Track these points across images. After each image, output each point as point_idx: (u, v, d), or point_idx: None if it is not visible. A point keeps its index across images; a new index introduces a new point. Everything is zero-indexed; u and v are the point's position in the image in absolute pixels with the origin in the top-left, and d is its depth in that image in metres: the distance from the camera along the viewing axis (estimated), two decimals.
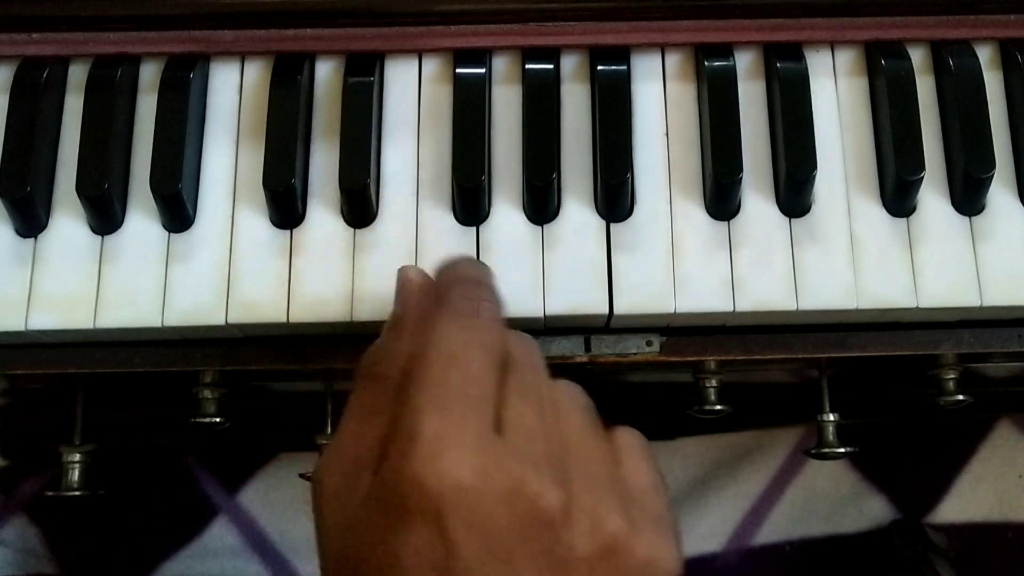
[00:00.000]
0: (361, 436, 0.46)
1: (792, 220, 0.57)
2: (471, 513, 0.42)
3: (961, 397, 0.62)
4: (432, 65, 0.60)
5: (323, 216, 0.57)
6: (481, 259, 0.56)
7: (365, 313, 0.56)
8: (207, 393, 0.61)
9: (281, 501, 0.84)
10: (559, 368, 0.58)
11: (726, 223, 0.57)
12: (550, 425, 0.46)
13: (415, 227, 0.57)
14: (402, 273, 0.51)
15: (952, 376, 0.61)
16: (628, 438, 0.50)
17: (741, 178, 0.56)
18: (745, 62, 0.59)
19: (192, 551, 0.83)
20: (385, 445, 0.45)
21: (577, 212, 0.57)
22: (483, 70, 0.58)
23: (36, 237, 0.57)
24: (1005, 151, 0.58)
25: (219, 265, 0.57)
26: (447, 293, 0.48)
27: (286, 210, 0.57)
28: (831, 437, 0.64)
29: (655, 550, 0.45)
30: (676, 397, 0.66)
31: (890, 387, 0.74)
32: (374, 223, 0.57)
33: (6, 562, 0.82)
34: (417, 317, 0.49)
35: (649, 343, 0.58)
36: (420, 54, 0.60)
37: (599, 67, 0.58)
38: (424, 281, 0.51)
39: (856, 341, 0.58)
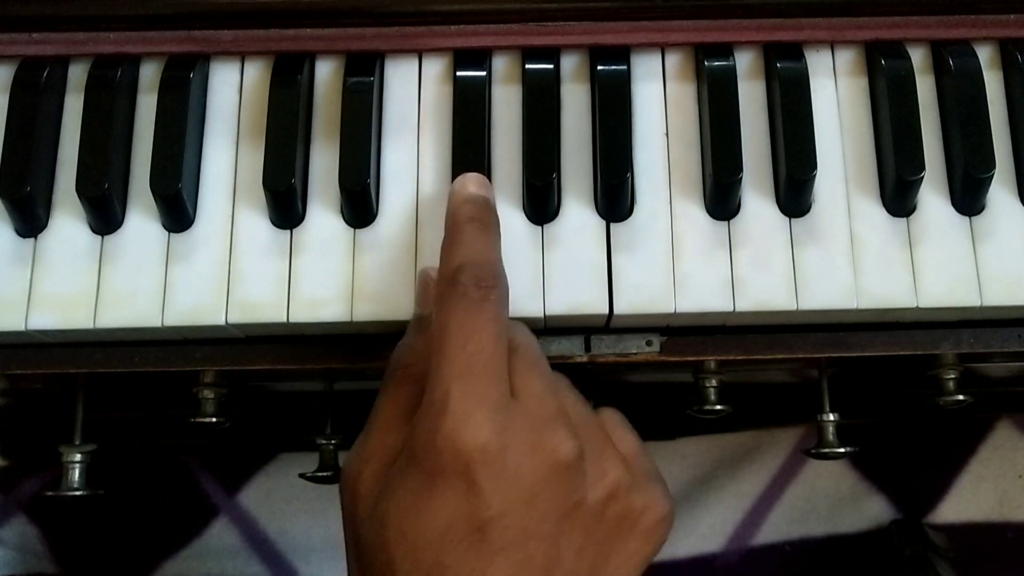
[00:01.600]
0: (394, 432, 0.52)
1: (792, 220, 0.57)
2: (497, 467, 0.48)
3: (961, 397, 0.62)
4: (432, 65, 0.60)
5: (323, 216, 0.57)
6: None
7: (365, 313, 0.56)
8: (207, 393, 0.61)
9: (281, 501, 0.84)
10: (559, 368, 0.58)
11: (726, 223, 0.57)
12: (555, 393, 0.53)
13: (415, 227, 0.57)
14: (422, 275, 0.56)
15: (952, 376, 0.61)
16: (612, 414, 0.57)
17: (741, 178, 0.56)
18: (745, 62, 0.59)
19: (192, 551, 0.83)
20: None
21: (577, 212, 0.57)
22: (483, 70, 0.58)
23: (36, 237, 0.57)
24: (1005, 151, 0.58)
25: (219, 265, 0.57)
26: (459, 276, 0.51)
27: (286, 210, 0.57)
28: (831, 437, 0.64)
29: (649, 497, 0.54)
30: (676, 397, 0.66)
31: (890, 387, 0.74)
32: (374, 223, 0.57)
33: (6, 562, 0.82)
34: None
35: (649, 343, 0.58)
36: (420, 54, 0.60)
37: (599, 67, 0.58)
38: None
39: (856, 341, 0.58)
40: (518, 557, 0.49)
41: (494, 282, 0.51)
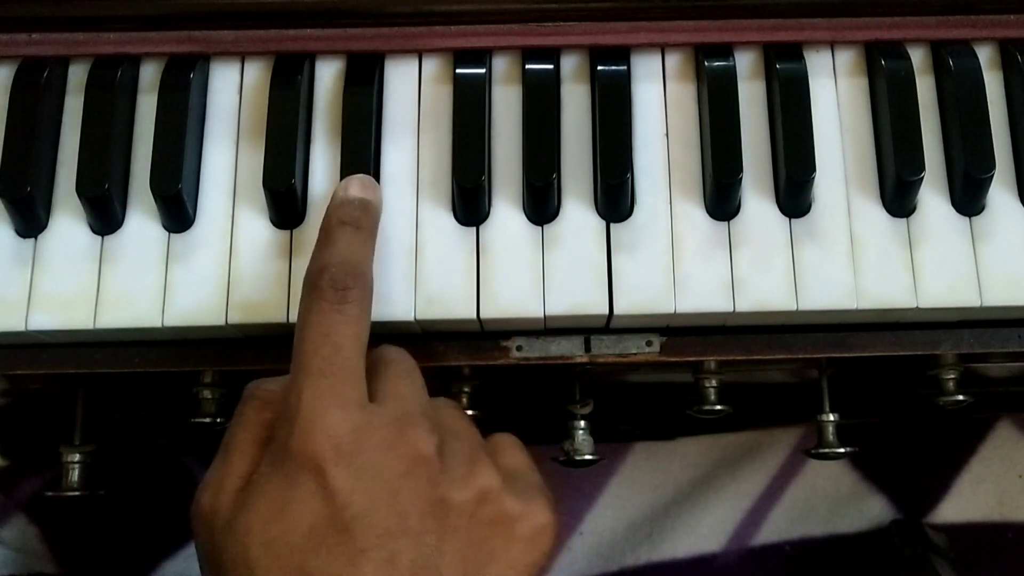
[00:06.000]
0: (248, 461, 0.50)
1: (792, 220, 0.57)
2: (354, 465, 0.47)
3: (961, 397, 0.62)
4: (432, 65, 0.60)
5: (323, 216, 0.57)
6: (481, 259, 0.57)
7: None
8: (207, 393, 0.61)
9: None
10: (559, 368, 0.58)
11: (726, 223, 0.57)
12: (423, 398, 0.52)
13: (415, 227, 0.57)
14: None
15: (952, 376, 0.61)
16: (504, 437, 0.56)
17: (741, 178, 0.56)
18: (745, 62, 0.59)
19: (192, 551, 0.83)
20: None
21: (577, 212, 0.57)
22: (483, 70, 0.58)
23: (36, 237, 0.57)
24: (1005, 151, 0.58)
25: (219, 265, 0.57)
26: (319, 279, 0.51)
27: (286, 210, 0.57)
28: (831, 437, 0.64)
29: (527, 505, 0.52)
30: (676, 397, 0.66)
31: (890, 387, 0.74)
32: None
33: (6, 562, 0.82)
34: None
35: (649, 343, 0.58)
36: (420, 54, 0.60)
37: (599, 67, 0.58)
38: None
39: (856, 341, 0.58)
40: (384, 555, 0.47)
41: (352, 283, 0.51)
